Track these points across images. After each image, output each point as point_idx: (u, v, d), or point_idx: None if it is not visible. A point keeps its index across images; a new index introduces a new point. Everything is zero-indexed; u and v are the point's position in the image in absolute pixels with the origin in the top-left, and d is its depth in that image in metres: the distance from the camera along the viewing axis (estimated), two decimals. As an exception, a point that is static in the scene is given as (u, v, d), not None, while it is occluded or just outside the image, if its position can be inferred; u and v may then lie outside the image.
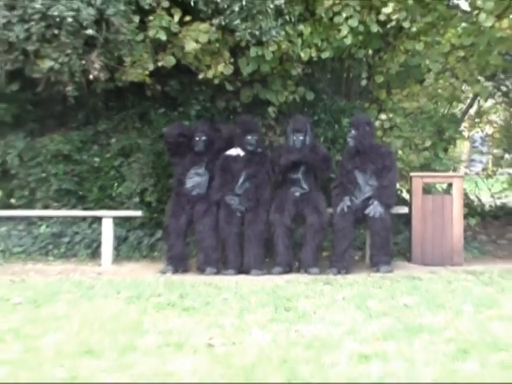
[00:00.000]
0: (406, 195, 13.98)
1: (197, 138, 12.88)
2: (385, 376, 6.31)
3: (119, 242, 13.39)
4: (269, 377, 6.29)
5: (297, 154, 12.58)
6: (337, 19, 12.97)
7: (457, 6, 15.50)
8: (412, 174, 13.50)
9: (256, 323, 8.30)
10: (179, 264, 12.52)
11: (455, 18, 14.68)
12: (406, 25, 13.28)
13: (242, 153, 12.77)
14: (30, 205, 13.92)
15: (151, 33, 12.75)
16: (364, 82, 15.69)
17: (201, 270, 12.23)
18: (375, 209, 12.27)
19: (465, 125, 19.32)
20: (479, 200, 18.96)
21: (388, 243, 12.62)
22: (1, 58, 12.56)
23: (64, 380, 6.21)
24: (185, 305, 9.33)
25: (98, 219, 13.22)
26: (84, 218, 13.61)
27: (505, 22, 13.38)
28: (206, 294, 10.08)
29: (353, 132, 12.77)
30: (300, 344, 7.36)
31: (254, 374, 6.37)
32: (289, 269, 12.18)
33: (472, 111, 18.82)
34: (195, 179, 12.78)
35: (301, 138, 12.71)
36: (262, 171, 12.73)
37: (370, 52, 14.94)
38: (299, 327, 8.03)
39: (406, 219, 13.34)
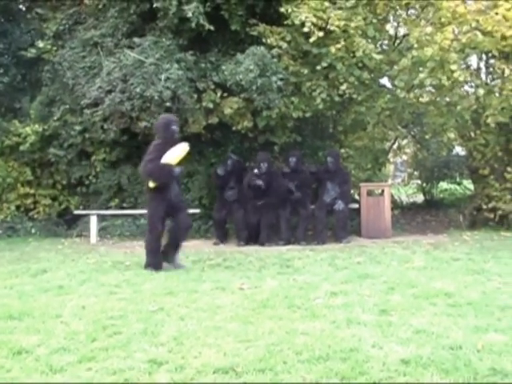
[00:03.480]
0: (357, 197, 13.93)
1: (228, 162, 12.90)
2: (346, 304, 6.32)
3: (187, 227, 13.41)
4: (276, 305, 6.31)
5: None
6: (314, 94, 12.95)
7: (384, 85, 15.45)
8: (361, 184, 13.52)
9: (269, 275, 8.32)
10: (223, 240, 12.53)
11: (383, 92, 14.63)
12: (354, 96, 13.26)
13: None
14: (134, 207, 13.92)
15: (204, 103, 12.84)
16: (331, 130, 15.68)
17: (237, 243, 12.25)
18: (339, 205, 12.28)
19: (391, 155, 19.27)
20: (400, 199, 18.96)
21: (347, 225, 12.65)
22: (116, 121, 12.78)
23: (154, 310, 6.25)
24: (226, 264, 9.35)
25: (175, 214, 13.19)
26: (166, 214, 13.60)
27: (411, 95, 13.44)
28: (239, 258, 10.08)
29: (330, 159, 12.69)
30: (295, 287, 7.38)
31: (268, 304, 6.40)
32: (288, 242, 12.13)
33: (394, 146, 18.76)
34: (230, 191, 12.72)
35: (294, 159, 12.54)
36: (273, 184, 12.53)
37: (334, 112, 14.90)
38: (295, 277, 8.05)
39: (357, 211, 13.31)
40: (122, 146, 14.07)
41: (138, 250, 11.49)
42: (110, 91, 12.57)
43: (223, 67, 12.65)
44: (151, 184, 8.97)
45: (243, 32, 13.07)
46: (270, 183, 12.40)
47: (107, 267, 9.32)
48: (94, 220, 13.24)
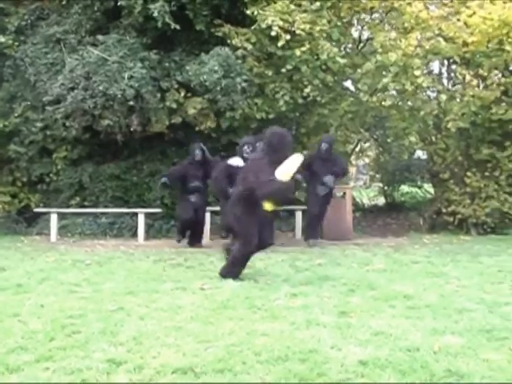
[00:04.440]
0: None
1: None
2: (306, 305, 6.35)
3: (148, 227, 13.31)
4: (237, 306, 6.32)
5: None
6: (277, 95, 13.02)
7: (348, 88, 15.58)
8: (322, 186, 13.54)
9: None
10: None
11: (346, 95, 14.77)
12: (318, 98, 13.34)
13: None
14: (95, 205, 13.82)
15: (167, 103, 12.82)
16: (294, 132, 15.69)
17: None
18: (329, 179, 11.80)
19: (353, 157, 19.41)
20: (361, 201, 19.11)
21: (317, 227, 12.37)
22: (79, 119, 12.64)
23: (113, 310, 6.23)
24: (187, 264, 9.34)
25: (136, 214, 13.12)
26: (127, 213, 13.51)
27: (374, 98, 13.56)
28: (200, 258, 10.08)
29: (324, 145, 11.87)
30: (256, 287, 7.40)
31: (228, 304, 6.41)
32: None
33: (357, 149, 18.90)
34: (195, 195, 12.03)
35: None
36: None
37: (297, 114, 14.93)
38: (256, 277, 8.05)
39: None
40: (84, 144, 13.95)
41: (98, 248, 11.46)
42: (72, 88, 12.46)
43: (187, 67, 12.65)
44: (269, 207, 7.62)
45: (208, 32, 13.09)
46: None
47: (67, 266, 9.24)
48: (54, 218, 13.11)
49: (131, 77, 12.22)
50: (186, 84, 12.84)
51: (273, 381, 4.19)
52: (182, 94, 12.99)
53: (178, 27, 12.36)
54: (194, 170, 11.78)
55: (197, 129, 13.23)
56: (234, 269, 8.01)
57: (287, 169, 7.61)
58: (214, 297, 6.83)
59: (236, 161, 10.46)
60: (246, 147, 10.56)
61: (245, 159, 10.18)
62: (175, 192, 13.02)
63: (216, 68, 11.99)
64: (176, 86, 13.00)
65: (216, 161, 11.60)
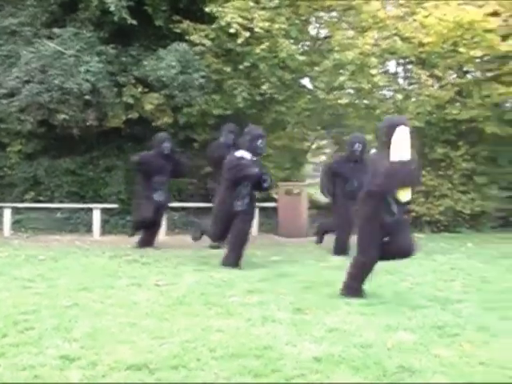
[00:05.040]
0: (275, 196, 14.00)
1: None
2: (261, 302, 6.37)
3: (104, 222, 13.18)
4: (192, 302, 6.31)
5: None
6: (235, 92, 13.02)
7: (305, 86, 15.63)
8: (279, 183, 13.58)
9: (186, 271, 8.34)
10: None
11: (304, 92, 14.82)
12: (275, 96, 13.39)
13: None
14: (51, 200, 13.64)
15: (124, 98, 12.73)
16: (251, 128, 15.73)
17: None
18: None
19: (310, 155, 19.48)
20: (318, 199, 19.21)
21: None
22: (34, 113, 12.51)
23: (68, 305, 6.17)
24: (143, 260, 9.29)
25: (91, 209, 13.00)
26: (83, 209, 13.37)
27: (331, 96, 13.63)
28: (156, 255, 10.03)
29: (357, 145, 10.19)
30: (212, 284, 7.42)
31: (184, 301, 6.41)
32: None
33: (314, 147, 18.97)
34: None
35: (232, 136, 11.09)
36: None
37: (255, 111, 14.92)
38: (212, 274, 8.06)
39: (275, 210, 13.41)
40: (39, 138, 13.75)
41: (53, 244, 11.34)
42: (27, 81, 12.28)
43: (144, 62, 12.56)
44: (403, 195, 6.64)
45: (166, 28, 13.03)
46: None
47: (21, 261, 9.13)
48: (7, 213, 12.93)
49: (88, 71, 12.08)
50: (143, 79, 12.76)
51: (227, 377, 4.20)
52: (139, 89, 12.90)
53: (135, 22, 12.28)
54: (160, 164, 10.81)
55: (154, 124, 13.15)
56: (353, 283, 6.84)
57: (401, 146, 6.86)
58: (170, 293, 6.83)
59: (243, 153, 9.10)
60: (260, 141, 9.16)
61: (258, 154, 9.24)
62: (132, 188, 12.89)
63: (173, 63, 11.93)
64: (133, 81, 12.92)
65: (185, 160, 11.62)
